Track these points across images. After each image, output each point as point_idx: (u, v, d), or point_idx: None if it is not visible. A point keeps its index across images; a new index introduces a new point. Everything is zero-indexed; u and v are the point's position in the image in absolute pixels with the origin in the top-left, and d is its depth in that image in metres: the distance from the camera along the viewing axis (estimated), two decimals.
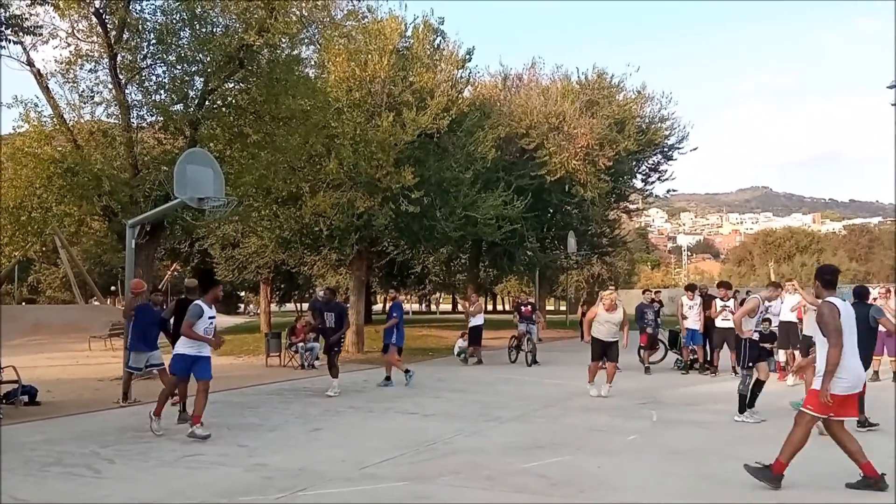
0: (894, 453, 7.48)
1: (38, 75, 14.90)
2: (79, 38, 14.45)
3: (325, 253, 20.87)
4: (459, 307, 60.44)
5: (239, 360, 19.97)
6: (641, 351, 17.62)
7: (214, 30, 14.39)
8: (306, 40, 19.90)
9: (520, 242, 25.35)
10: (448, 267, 35.18)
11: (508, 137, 24.80)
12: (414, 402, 12.46)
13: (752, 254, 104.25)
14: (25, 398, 12.01)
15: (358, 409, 11.77)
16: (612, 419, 10.66)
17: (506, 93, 27.58)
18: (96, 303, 48.03)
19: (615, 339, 12.81)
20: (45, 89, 15.00)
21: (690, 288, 18.04)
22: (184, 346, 9.23)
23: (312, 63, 20.08)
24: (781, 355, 15.45)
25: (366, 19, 19.79)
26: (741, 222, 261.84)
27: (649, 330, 17.60)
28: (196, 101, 14.88)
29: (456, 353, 20.45)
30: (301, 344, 17.76)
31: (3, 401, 11.75)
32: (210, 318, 9.18)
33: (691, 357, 17.01)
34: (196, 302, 9.32)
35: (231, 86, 15.46)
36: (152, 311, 11.53)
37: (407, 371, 14.32)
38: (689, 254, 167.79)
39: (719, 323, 15.68)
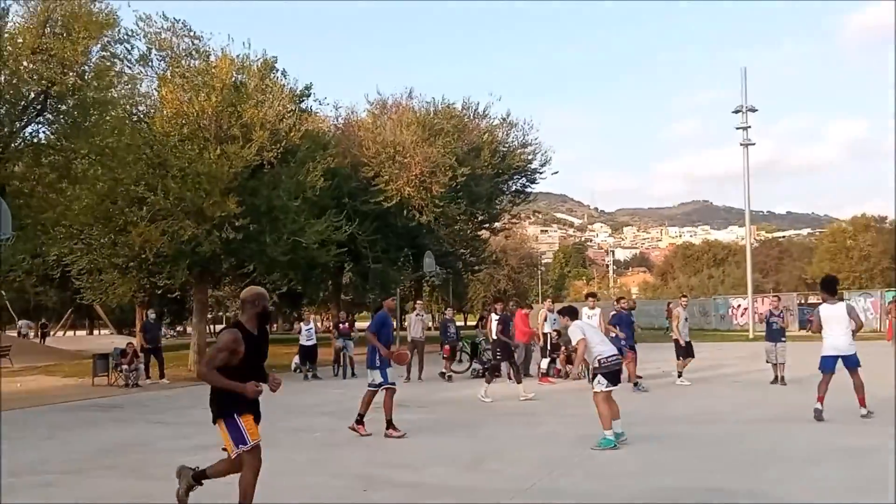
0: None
1: None
2: None
3: (159, 279, 22.10)
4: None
5: (62, 379, 21.28)
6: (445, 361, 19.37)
7: (14, 79, 15.72)
8: (146, 76, 21.46)
9: (372, 264, 26.97)
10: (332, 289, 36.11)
11: (354, 165, 26.50)
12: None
13: (674, 266, 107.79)
14: None
15: (130, 420, 13.19)
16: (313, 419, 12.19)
17: (355, 124, 29.34)
18: None
19: None
20: None
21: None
22: None
23: (149, 100, 21.65)
24: None
25: (195, 60, 21.30)
26: (679, 236, 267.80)
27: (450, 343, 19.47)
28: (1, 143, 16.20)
29: (293, 368, 21.99)
30: (126, 366, 19.05)
31: None
32: None
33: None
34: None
35: (35, 128, 16.86)
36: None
37: None
38: (616, 268, 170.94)
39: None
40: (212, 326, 69.73)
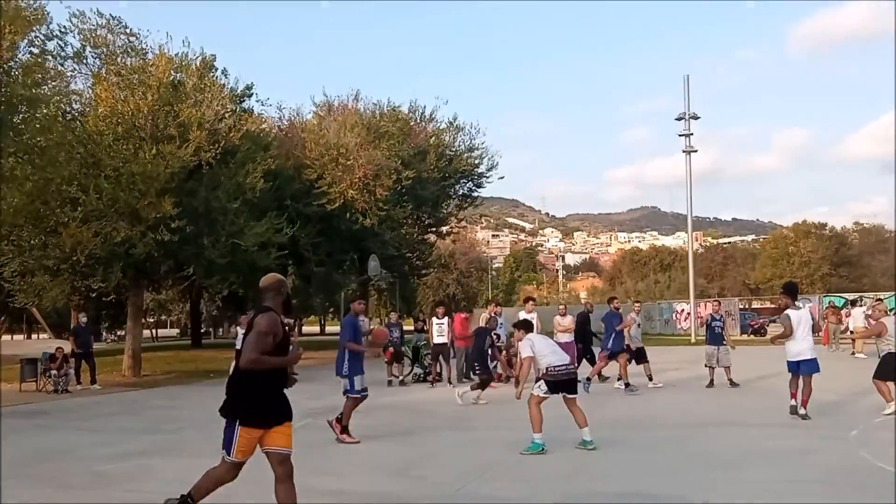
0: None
1: None
2: None
3: (93, 281, 21.39)
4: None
5: None
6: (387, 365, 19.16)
7: None
8: (80, 74, 20.82)
9: (315, 268, 26.60)
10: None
11: (297, 167, 26.16)
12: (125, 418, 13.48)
13: (622, 271, 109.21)
14: None
15: (54, 427, 12.70)
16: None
17: (298, 126, 29.00)
18: None
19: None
20: None
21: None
22: None
23: (83, 98, 21.03)
24: None
25: (131, 57, 20.75)
26: (628, 241, 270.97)
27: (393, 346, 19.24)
28: None
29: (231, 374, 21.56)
30: (55, 371, 18.41)
31: None
32: None
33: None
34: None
35: None
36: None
37: None
38: (566, 273, 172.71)
39: (435, 339, 17.40)
40: (154, 331, 68.49)
